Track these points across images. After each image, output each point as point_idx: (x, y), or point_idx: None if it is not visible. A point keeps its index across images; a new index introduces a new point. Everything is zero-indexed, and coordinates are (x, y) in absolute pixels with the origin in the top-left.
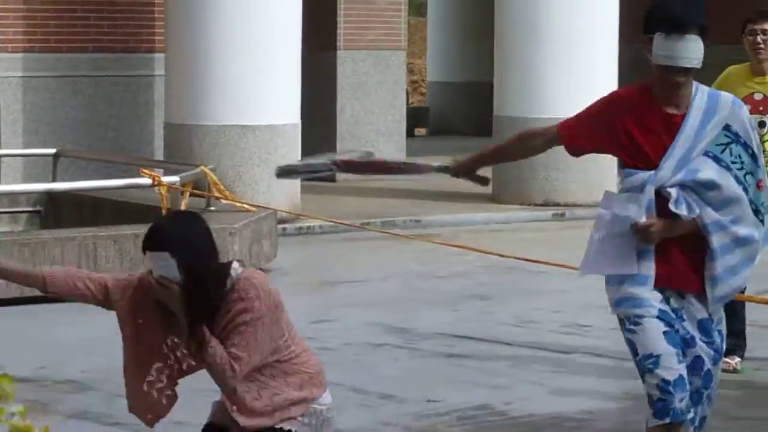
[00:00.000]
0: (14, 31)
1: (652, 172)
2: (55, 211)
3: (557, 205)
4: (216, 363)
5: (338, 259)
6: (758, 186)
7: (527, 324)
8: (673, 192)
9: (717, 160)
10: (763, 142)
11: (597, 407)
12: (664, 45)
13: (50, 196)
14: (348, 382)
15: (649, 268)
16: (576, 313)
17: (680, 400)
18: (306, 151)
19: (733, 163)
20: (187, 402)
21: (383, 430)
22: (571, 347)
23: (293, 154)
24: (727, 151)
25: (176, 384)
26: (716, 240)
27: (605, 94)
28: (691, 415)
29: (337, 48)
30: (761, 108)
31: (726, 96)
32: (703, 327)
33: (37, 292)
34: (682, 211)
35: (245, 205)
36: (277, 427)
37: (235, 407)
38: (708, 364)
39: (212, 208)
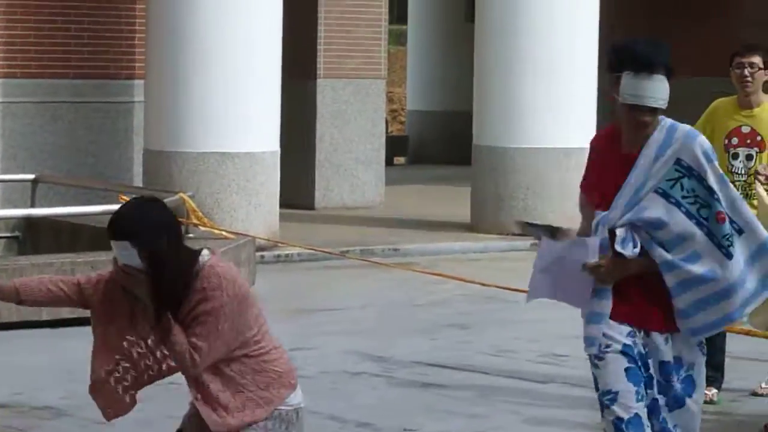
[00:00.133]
0: None
1: (606, 212)
2: (33, 236)
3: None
4: (176, 351)
5: (316, 287)
6: (718, 218)
7: (504, 353)
8: (620, 232)
9: (666, 196)
10: (749, 175)
11: None
12: (632, 84)
13: (28, 222)
14: (325, 410)
15: (604, 306)
16: (553, 343)
17: None
18: (285, 178)
19: (684, 198)
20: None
21: None
22: (547, 377)
23: (272, 182)
24: (678, 185)
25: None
26: (670, 279)
27: (583, 124)
28: None
29: (317, 76)
30: (748, 141)
31: (682, 128)
32: (665, 370)
33: (13, 317)
34: (627, 251)
35: (224, 232)
36: None
37: (199, 395)
38: (663, 412)
39: (191, 235)
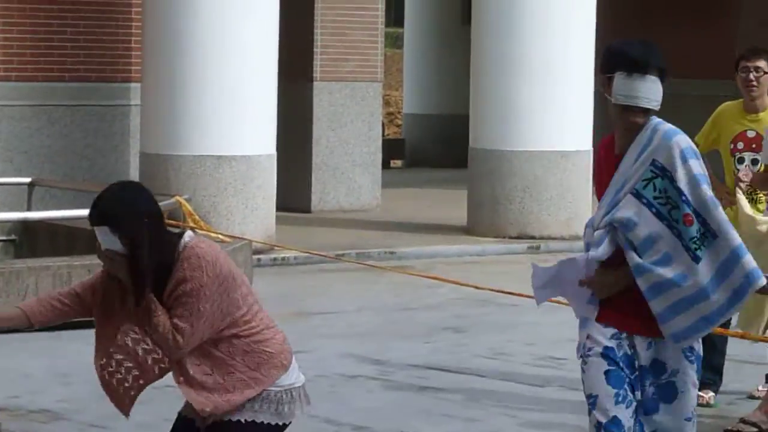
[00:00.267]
0: None
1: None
2: (29, 240)
3: (532, 237)
4: (159, 333)
5: (313, 290)
6: (685, 221)
7: (501, 356)
8: (596, 234)
9: (639, 196)
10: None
11: None
12: (625, 85)
13: (25, 226)
14: (322, 413)
15: (590, 311)
16: (550, 346)
17: None
18: (281, 181)
19: (655, 198)
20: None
21: None
22: (544, 380)
23: (268, 185)
24: (650, 186)
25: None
26: (641, 283)
27: (579, 127)
28: None
29: (313, 79)
30: (754, 146)
31: (663, 128)
32: (641, 375)
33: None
34: (596, 253)
35: (220, 236)
36: (225, 420)
37: (181, 378)
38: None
39: None
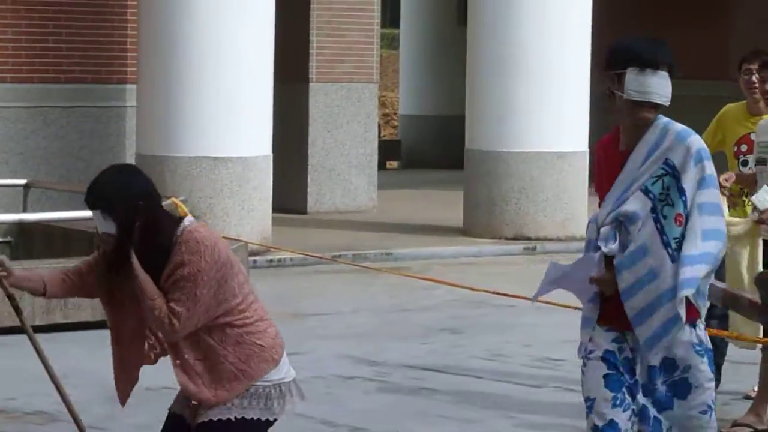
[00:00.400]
0: None
1: (599, 211)
2: (25, 241)
3: (528, 239)
4: (155, 317)
5: (309, 291)
6: (676, 219)
7: (498, 357)
8: (603, 230)
9: (646, 192)
10: None
11: None
12: (637, 80)
13: (21, 227)
14: (318, 415)
15: (592, 311)
16: (546, 347)
17: None
18: (277, 182)
19: (660, 194)
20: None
21: None
22: (541, 381)
23: (264, 186)
24: (659, 183)
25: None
26: (621, 281)
27: (576, 128)
28: None
29: (309, 80)
30: None
31: (675, 128)
32: (651, 375)
33: (5, 322)
34: (606, 248)
35: None
36: (215, 419)
37: (178, 361)
38: (653, 413)
39: None
